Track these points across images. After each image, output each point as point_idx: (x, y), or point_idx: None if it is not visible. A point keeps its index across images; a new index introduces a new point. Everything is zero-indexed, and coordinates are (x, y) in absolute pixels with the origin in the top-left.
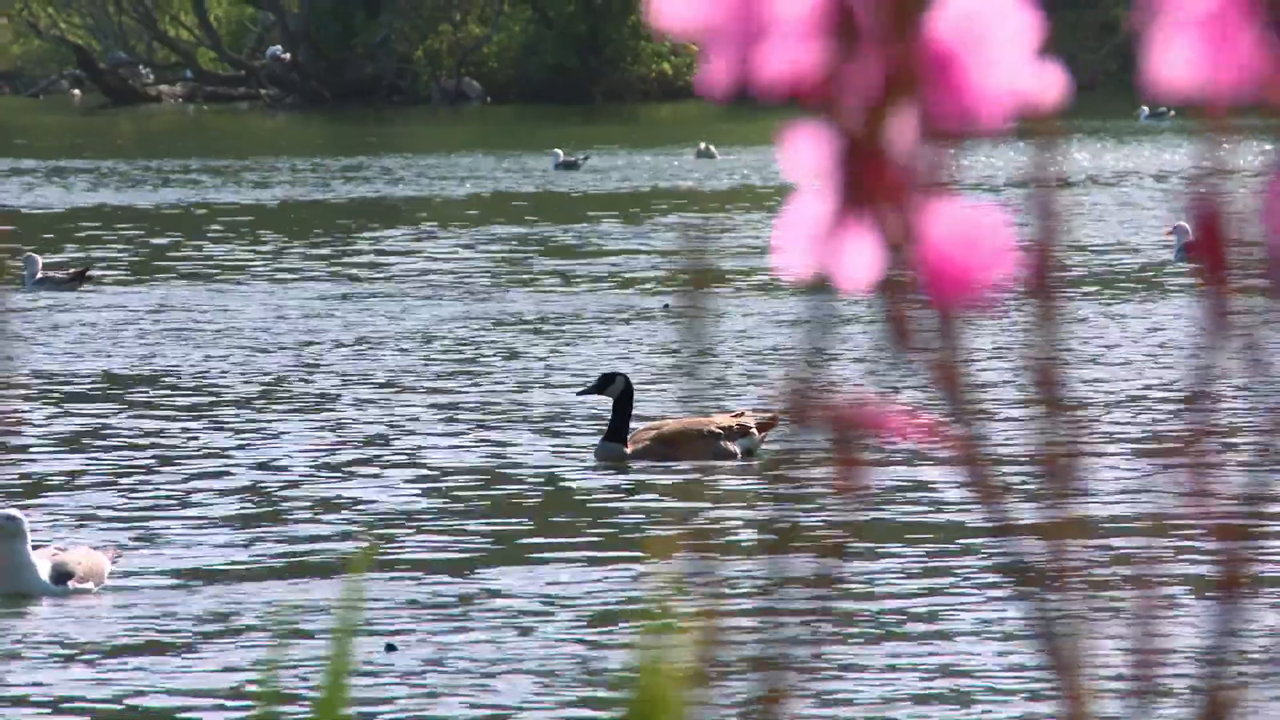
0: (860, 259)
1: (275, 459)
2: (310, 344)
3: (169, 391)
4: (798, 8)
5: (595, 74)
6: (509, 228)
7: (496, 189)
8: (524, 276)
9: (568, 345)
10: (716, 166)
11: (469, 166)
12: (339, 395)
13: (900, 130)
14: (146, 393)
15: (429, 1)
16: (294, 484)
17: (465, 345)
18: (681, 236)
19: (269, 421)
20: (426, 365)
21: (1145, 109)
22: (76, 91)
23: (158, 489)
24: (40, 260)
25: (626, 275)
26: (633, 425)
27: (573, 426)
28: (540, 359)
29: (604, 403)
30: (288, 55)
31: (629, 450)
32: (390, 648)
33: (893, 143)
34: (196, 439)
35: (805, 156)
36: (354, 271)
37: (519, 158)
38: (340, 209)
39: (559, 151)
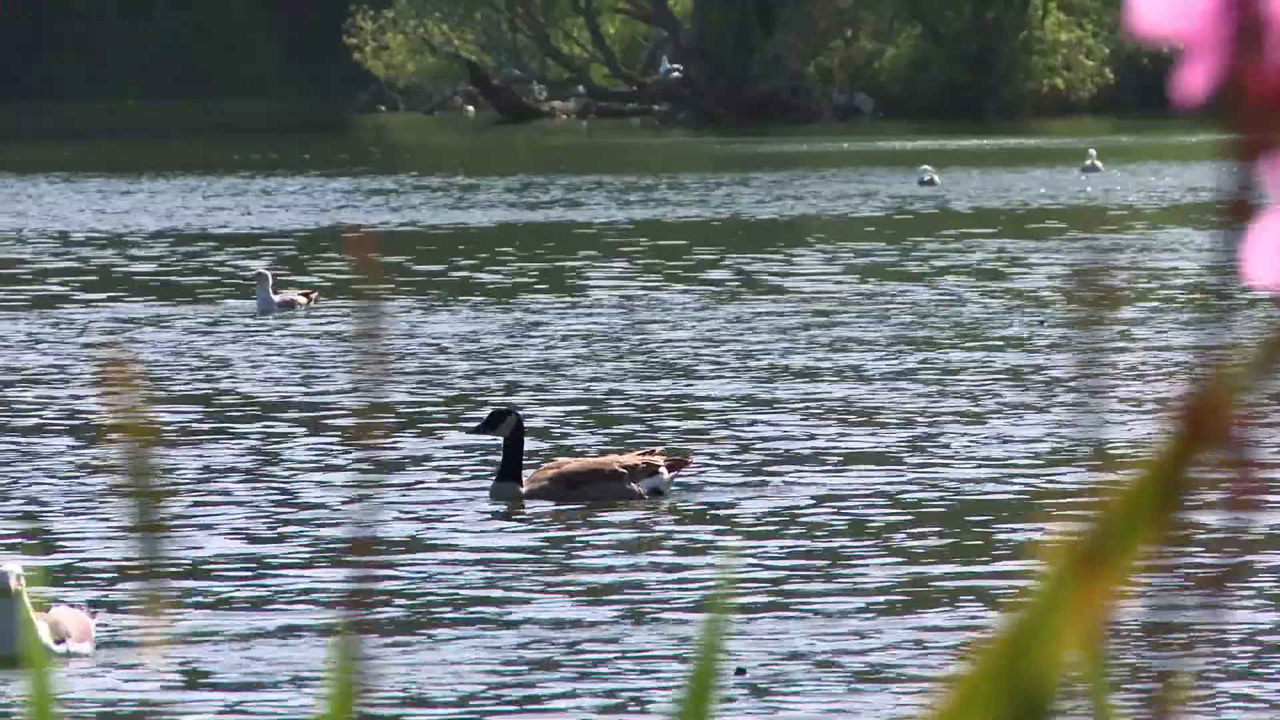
0: None
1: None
2: (666, 361)
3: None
4: None
5: (986, 89)
6: (881, 245)
7: (867, 207)
8: (889, 295)
9: (945, 362)
10: (1101, 182)
11: (850, 182)
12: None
13: None
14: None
15: (821, 18)
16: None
17: (820, 362)
18: (1079, 255)
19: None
20: (798, 382)
21: None
22: (470, 108)
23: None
24: (271, 278)
25: (1002, 291)
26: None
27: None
28: (926, 377)
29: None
30: (680, 71)
31: (524, 489)
32: (740, 671)
33: None
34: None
35: None
36: (724, 289)
37: (903, 174)
38: (719, 226)
39: (927, 169)
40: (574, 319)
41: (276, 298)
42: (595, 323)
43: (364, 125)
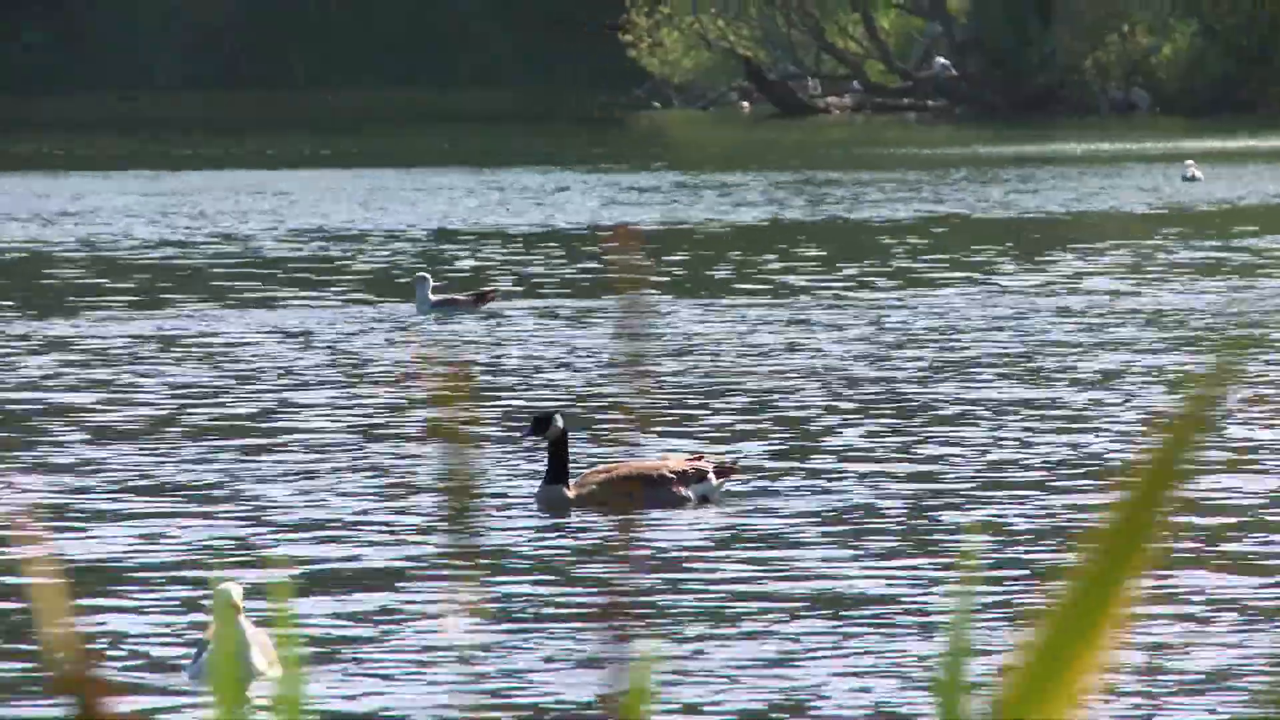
0: None
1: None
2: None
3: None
4: None
5: (1263, 84)
6: (1135, 242)
7: (1126, 202)
8: (1142, 295)
9: (1194, 364)
10: None
11: (1114, 177)
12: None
13: None
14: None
15: (1097, 13)
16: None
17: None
18: None
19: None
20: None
21: None
22: (745, 103)
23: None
24: (431, 280)
25: (1254, 291)
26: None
27: None
28: (1177, 378)
29: None
30: (954, 66)
31: (572, 494)
32: None
33: None
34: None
35: None
36: (992, 286)
37: (1169, 170)
38: (985, 223)
39: (1190, 164)
40: (843, 316)
41: (434, 298)
42: (866, 320)
43: (638, 121)
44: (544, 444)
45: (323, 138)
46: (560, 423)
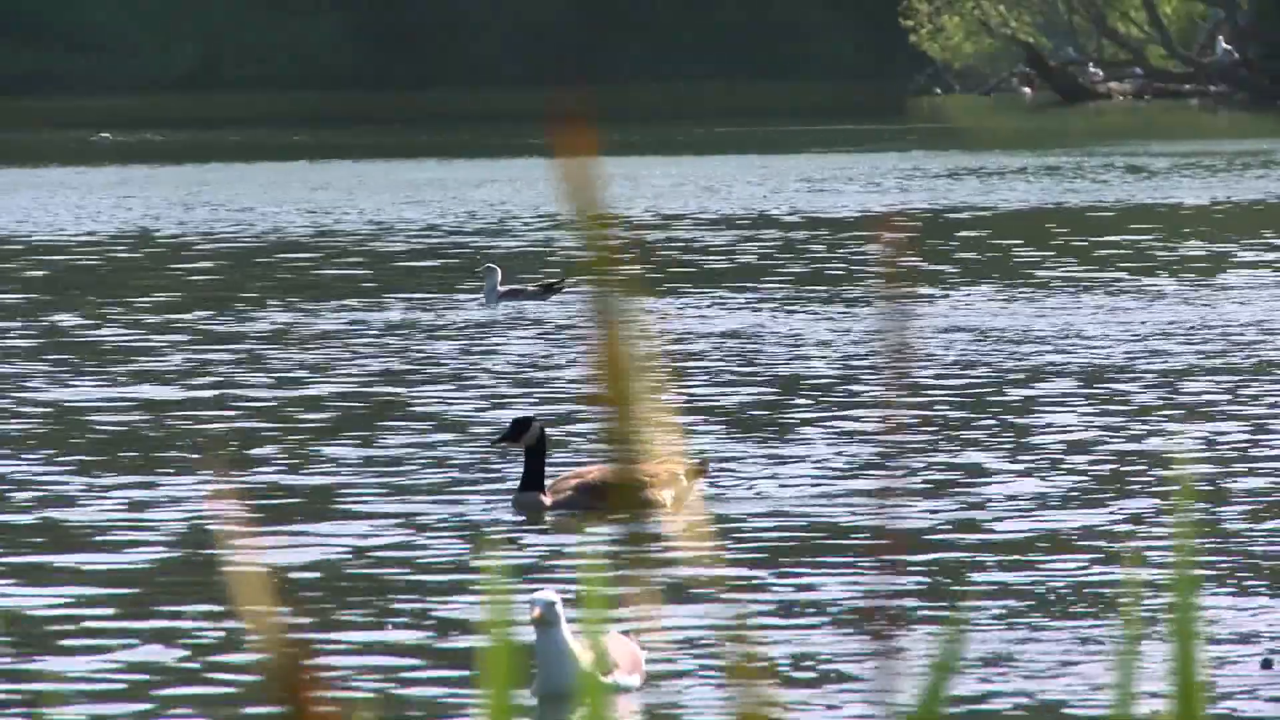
0: None
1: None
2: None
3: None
4: None
5: None
6: None
7: None
8: None
9: None
10: None
11: None
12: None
13: None
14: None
15: None
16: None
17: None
18: None
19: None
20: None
21: None
22: (1027, 89)
23: None
24: (500, 272)
25: None
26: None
27: None
28: None
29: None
30: (1236, 52)
31: (548, 500)
32: (1266, 664)
33: None
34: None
35: None
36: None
37: None
38: (1261, 212)
39: None
40: (1119, 304)
41: (502, 288)
42: (1141, 309)
43: (920, 107)
44: (518, 449)
45: (618, 130)
46: (538, 429)
